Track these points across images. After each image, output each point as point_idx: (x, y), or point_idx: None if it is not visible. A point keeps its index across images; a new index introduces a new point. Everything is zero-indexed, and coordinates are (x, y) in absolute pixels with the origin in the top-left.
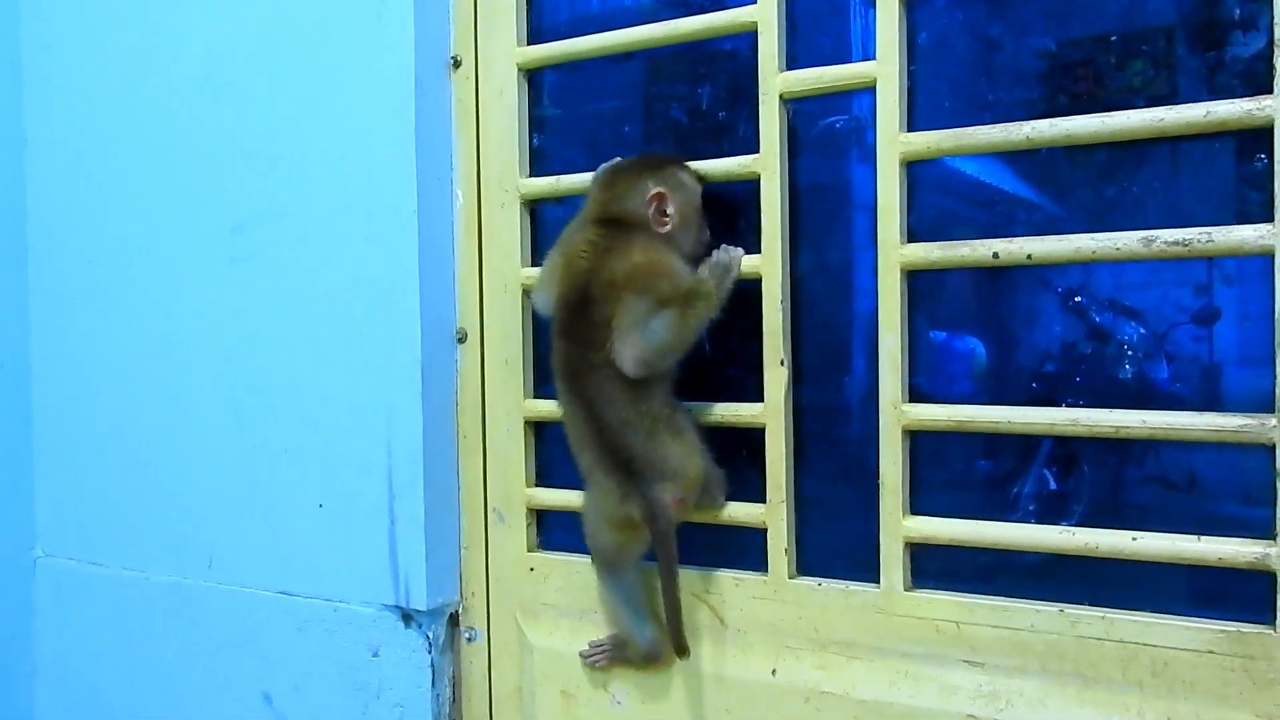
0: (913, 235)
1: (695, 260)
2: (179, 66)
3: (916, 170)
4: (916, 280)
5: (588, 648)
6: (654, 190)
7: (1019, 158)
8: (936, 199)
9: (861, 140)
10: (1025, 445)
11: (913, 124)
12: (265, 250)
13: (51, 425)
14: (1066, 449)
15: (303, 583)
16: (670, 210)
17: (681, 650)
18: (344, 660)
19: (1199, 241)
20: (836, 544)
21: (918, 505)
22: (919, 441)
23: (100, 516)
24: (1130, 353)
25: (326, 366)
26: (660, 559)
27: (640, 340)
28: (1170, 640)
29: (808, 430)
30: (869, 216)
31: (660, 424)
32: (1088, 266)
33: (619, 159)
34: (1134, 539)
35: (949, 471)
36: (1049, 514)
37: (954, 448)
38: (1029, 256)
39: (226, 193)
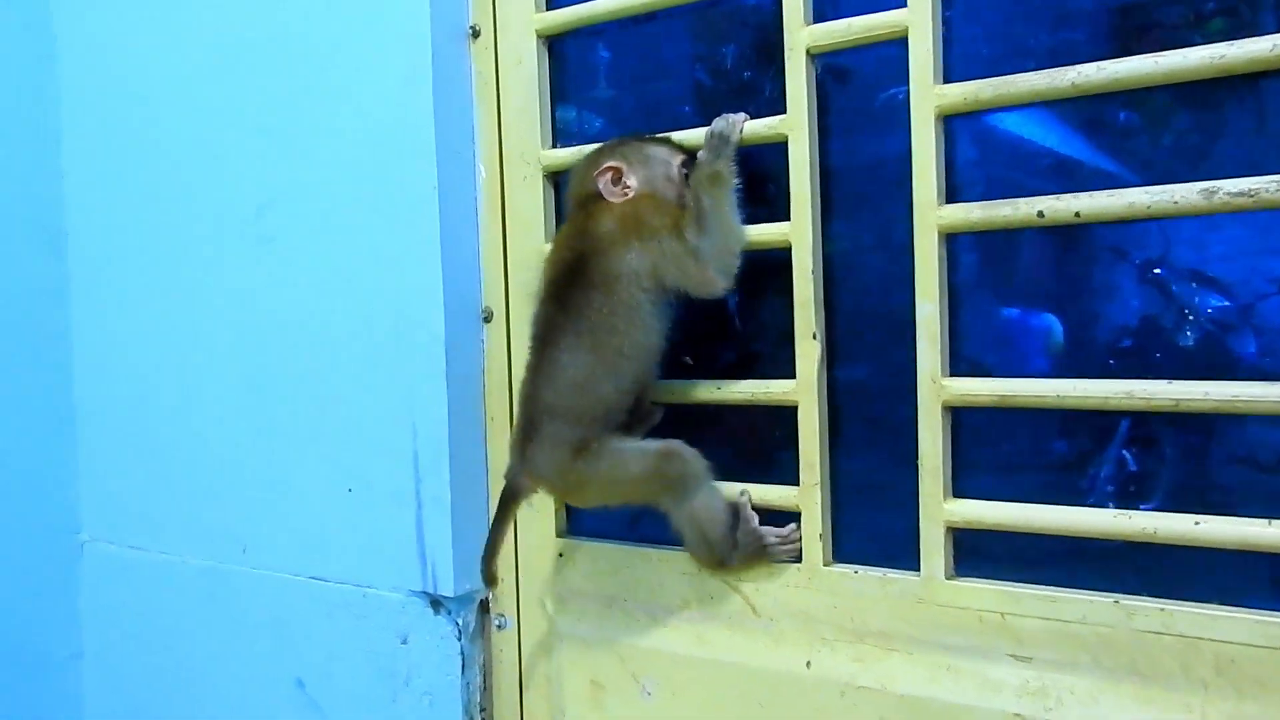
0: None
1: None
2: (203, 48)
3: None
4: (983, 252)
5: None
6: (606, 164)
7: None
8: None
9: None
10: (1103, 425)
11: (949, 75)
12: (289, 230)
13: (93, 411)
14: (1146, 429)
15: (333, 568)
16: (631, 183)
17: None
18: (373, 647)
19: (1267, 191)
20: (875, 529)
21: (975, 488)
22: (980, 420)
23: (139, 501)
24: (1214, 326)
25: (351, 348)
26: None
27: (706, 257)
28: (1237, 635)
29: (844, 407)
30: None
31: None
32: (1166, 236)
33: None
34: (1196, 524)
35: (1014, 452)
36: (1128, 497)
37: (1023, 427)
38: (1077, 215)
39: (251, 173)
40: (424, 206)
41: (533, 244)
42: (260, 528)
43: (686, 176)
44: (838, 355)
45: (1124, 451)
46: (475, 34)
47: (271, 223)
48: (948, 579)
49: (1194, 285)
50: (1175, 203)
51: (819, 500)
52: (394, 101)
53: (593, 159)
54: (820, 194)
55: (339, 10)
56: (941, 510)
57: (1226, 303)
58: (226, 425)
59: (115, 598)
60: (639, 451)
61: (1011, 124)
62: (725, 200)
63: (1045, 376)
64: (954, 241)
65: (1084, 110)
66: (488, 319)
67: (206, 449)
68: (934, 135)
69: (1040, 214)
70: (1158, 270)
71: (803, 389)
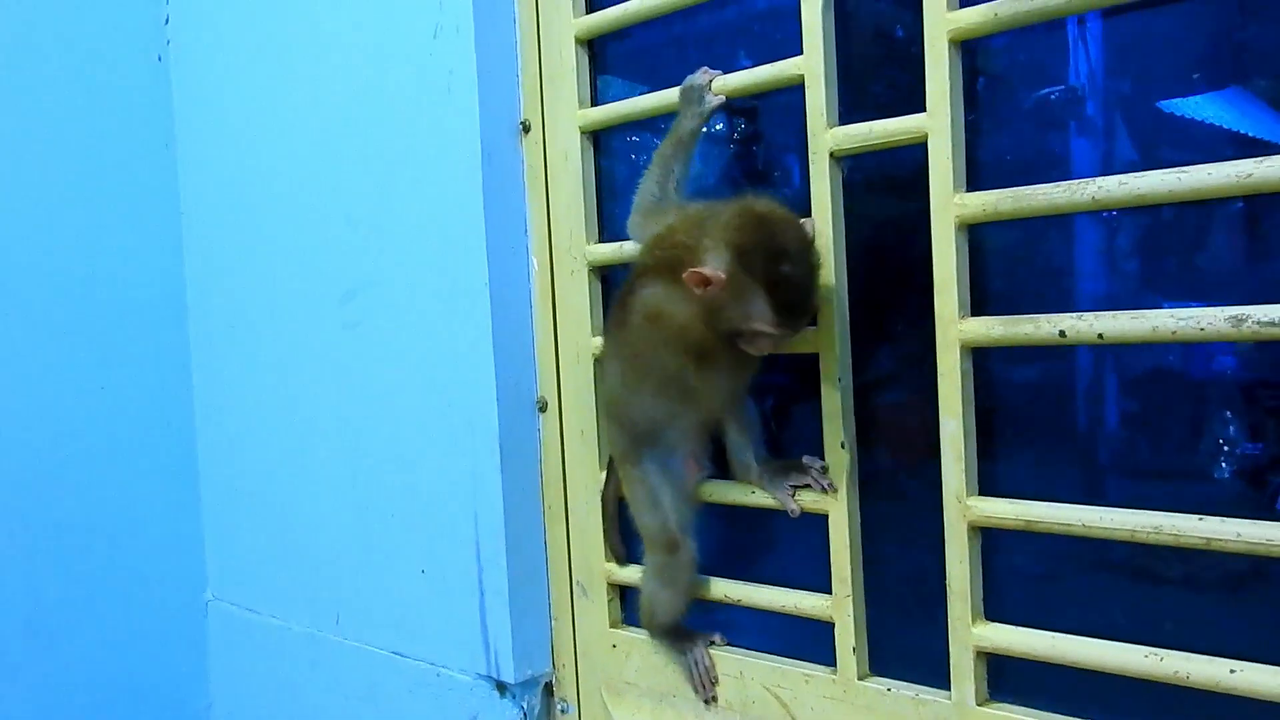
0: None
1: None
2: (297, 146)
3: None
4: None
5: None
6: (704, 271)
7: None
8: None
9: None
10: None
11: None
12: (368, 318)
13: (214, 480)
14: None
15: (411, 645)
16: (711, 291)
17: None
18: None
19: None
20: (910, 643)
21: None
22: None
23: (253, 566)
24: None
25: (421, 434)
26: None
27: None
28: None
29: (875, 517)
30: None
31: None
32: None
33: (751, 198)
34: (1231, 671)
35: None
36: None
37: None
38: (1100, 336)
39: (337, 262)
40: (476, 298)
41: (582, 337)
42: (351, 600)
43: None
44: (869, 462)
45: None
46: (526, 129)
47: (354, 310)
48: (979, 705)
49: None
50: (1202, 329)
51: (851, 612)
52: (449, 195)
53: (725, 233)
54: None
55: (402, 109)
56: (970, 635)
57: None
58: (324, 498)
59: (238, 655)
60: (658, 518)
61: (1188, 108)
62: (679, 162)
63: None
64: (979, 353)
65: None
66: (543, 409)
67: (308, 520)
68: (954, 245)
69: (1062, 333)
70: None
71: (833, 498)
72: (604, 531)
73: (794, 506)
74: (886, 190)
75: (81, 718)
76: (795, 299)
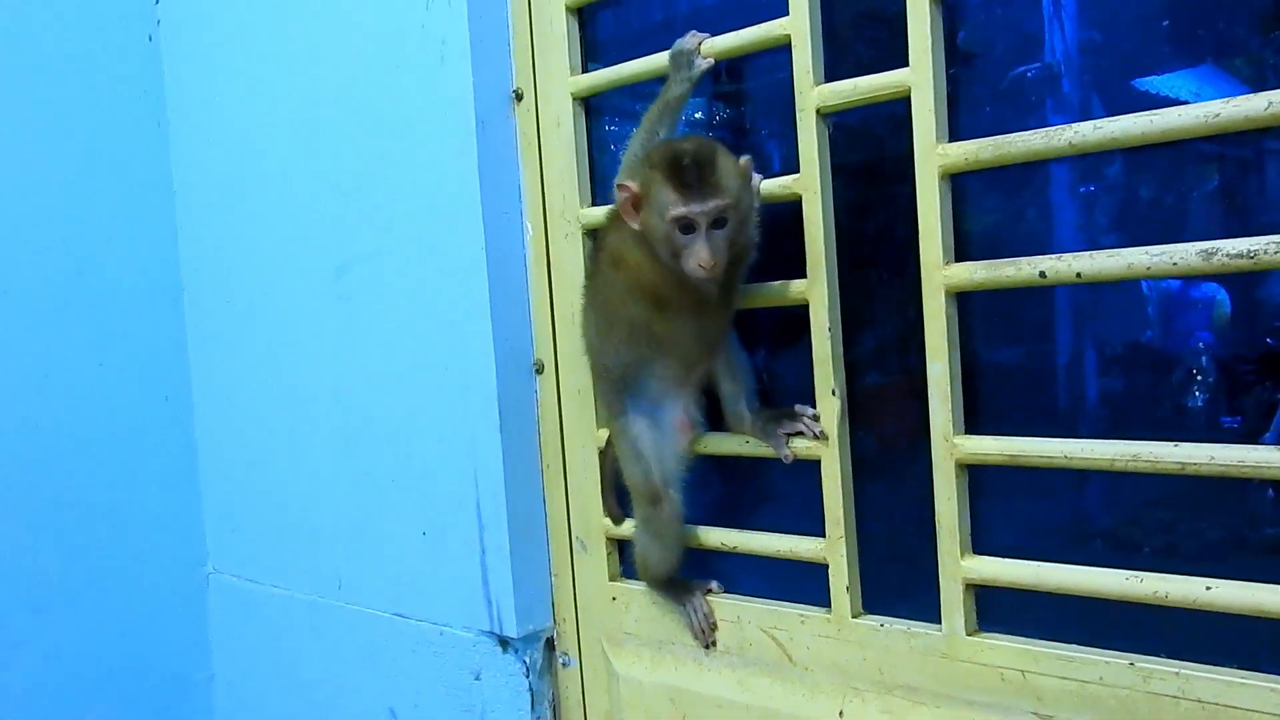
0: None
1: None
2: (290, 122)
3: None
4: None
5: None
6: (625, 186)
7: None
8: None
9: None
10: (1266, 399)
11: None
12: (365, 287)
13: (212, 451)
14: None
15: (413, 606)
16: (641, 214)
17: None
18: (451, 682)
19: (1266, 253)
20: (901, 581)
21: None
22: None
23: (253, 538)
24: None
25: (418, 400)
26: None
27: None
28: (1254, 702)
29: (866, 460)
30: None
31: None
32: None
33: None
34: (1208, 588)
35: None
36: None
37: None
38: (1078, 275)
39: (330, 235)
40: (473, 264)
41: (576, 299)
42: (352, 565)
43: (689, 228)
44: (858, 408)
45: None
46: (519, 97)
47: (350, 280)
48: (969, 635)
49: None
50: (1174, 264)
51: (844, 553)
52: (444, 164)
53: (641, 160)
54: (836, 250)
55: (396, 80)
56: (959, 568)
57: None
58: (323, 468)
59: (239, 626)
60: (640, 469)
61: (1164, 85)
62: (664, 125)
63: (1212, 350)
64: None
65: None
66: (539, 371)
67: (307, 490)
68: (938, 194)
69: (1042, 274)
70: None
71: (826, 442)
72: (601, 492)
73: (787, 453)
74: (871, 145)
75: (85, 693)
76: (692, 177)
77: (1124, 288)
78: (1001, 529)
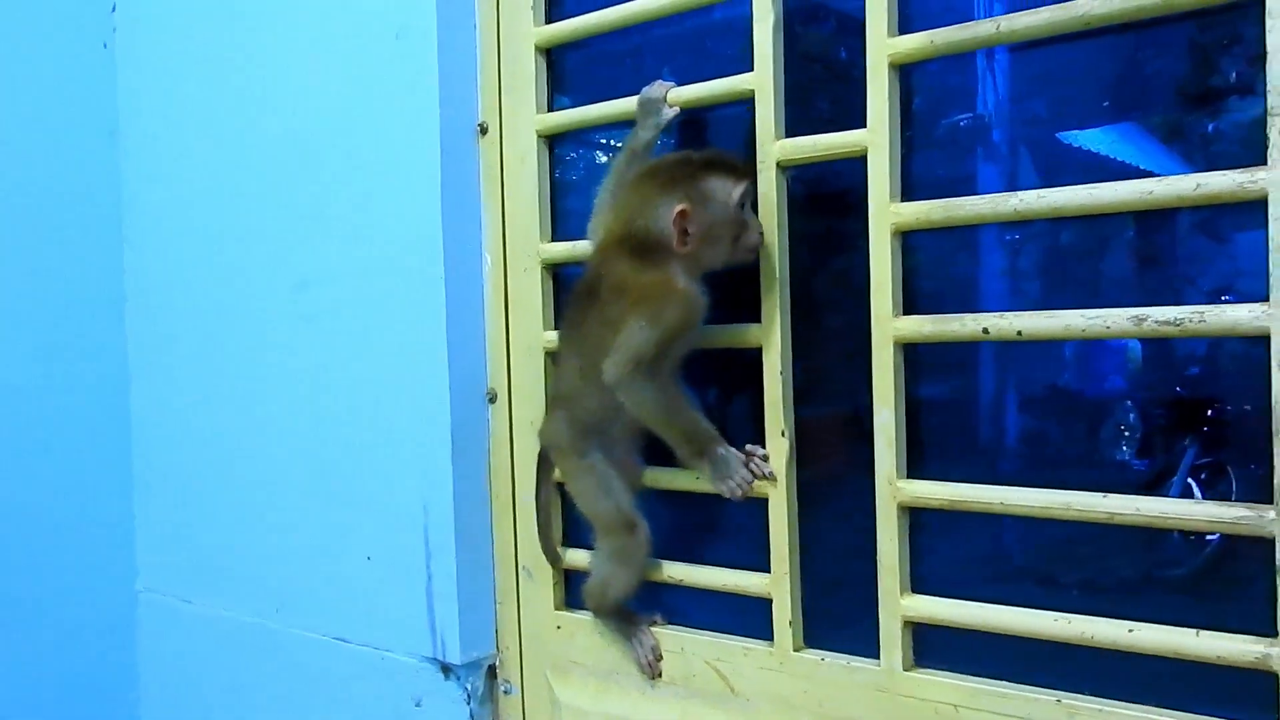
0: None
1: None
2: (248, 135)
3: None
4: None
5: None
6: (678, 208)
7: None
8: None
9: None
10: (1176, 444)
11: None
12: (321, 310)
13: (148, 468)
14: (1215, 455)
15: (355, 631)
16: (693, 229)
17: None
18: (392, 708)
19: (1191, 321)
20: (842, 617)
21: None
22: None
23: (187, 556)
24: None
25: (372, 424)
26: None
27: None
28: None
29: (811, 500)
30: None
31: None
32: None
33: (652, 162)
34: (1130, 630)
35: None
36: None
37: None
38: (1019, 333)
39: (289, 254)
40: (431, 293)
41: (533, 330)
42: (292, 587)
43: (745, 205)
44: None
45: (1191, 481)
46: (484, 131)
47: (307, 302)
48: (906, 670)
49: None
50: (1108, 327)
51: (788, 589)
52: (407, 193)
53: (657, 188)
54: (790, 296)
55: (362, 106)
56: (899, 605)
57: None
58: (264, 486)
59: (169, 647)
60: (614, 503)
61: (1087, 140)
62: (632, 169)
63: (1123, 396)
64: (911, 350)
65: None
66: (492, 400)
67: (246, 508)
68: (889, 250)
69: (985, 330)
70: (1225, 298)
71: (774, 482)
72: (540, 532)
73: (735, 489)
74: (827, 200)
75: (3, 714)
76: (724, 161)
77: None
78: (936, 564)
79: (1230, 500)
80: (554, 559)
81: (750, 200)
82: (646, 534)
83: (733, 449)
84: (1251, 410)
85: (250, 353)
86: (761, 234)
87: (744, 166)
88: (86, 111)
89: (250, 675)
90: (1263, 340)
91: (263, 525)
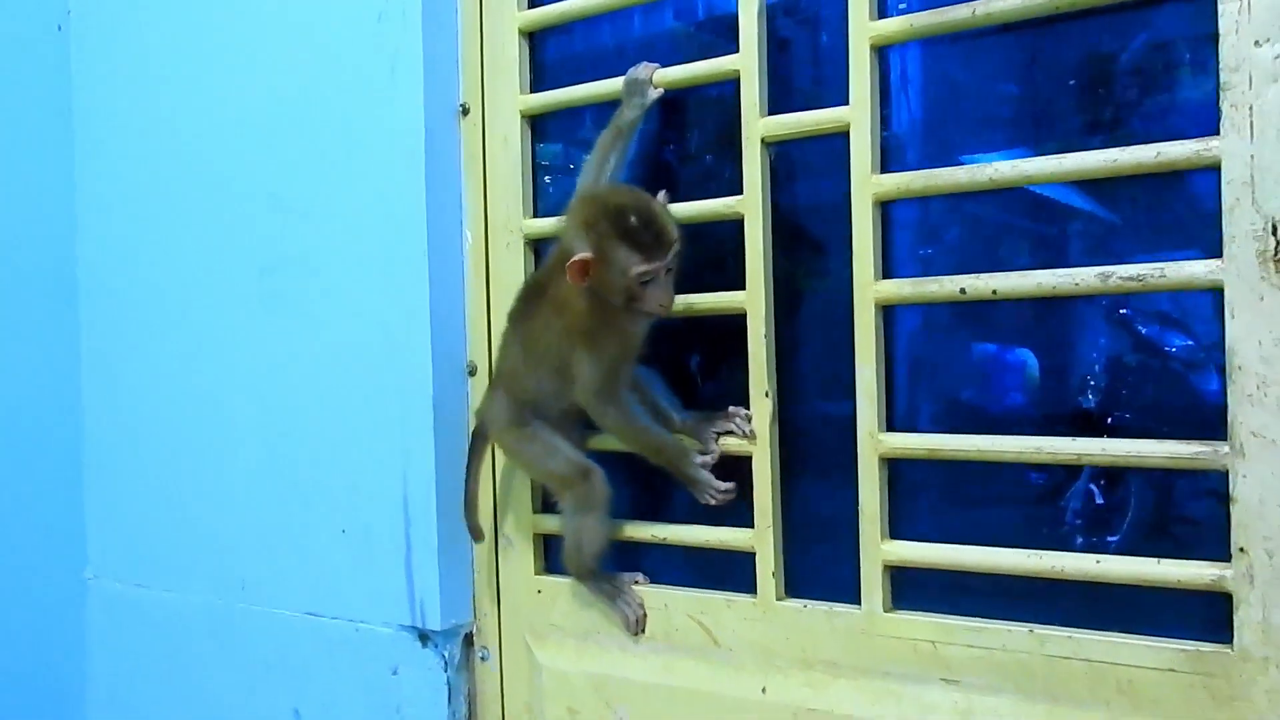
0: None
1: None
2: (214, 114)
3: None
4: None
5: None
6: (581, 256)
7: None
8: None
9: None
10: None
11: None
12: (290, 292)
13: (100, 454)
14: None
15: (328, 604)
16: (590, 276)
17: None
18: (367, 678)
19: (1152, 277)
20: (823, 567)
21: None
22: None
23: (143, 540)
24: (1179, 365)
25: (347, 401)
26: None
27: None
28: (1135, 659)
29: (795, 453)
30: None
31: None
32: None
33: (604, 189)
34: (1097, 562)
35: (997, 486)
36: (1095, 529)
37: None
38: (994, 291)
39: (255, 238)
40: (415, 269)
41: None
42: (259, 566)
43: (648, 282)
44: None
45: (1092, 485)
46: (465, 111)
47: (273, 284)
48: (886, 612)
49: (1159, 326)
50: (1076, 284)
51: (772, 542)
52: (389, 173)
53: (580, 224)
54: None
55: (341, 90)
56: (879, 551)
57: (1190, 342)
58: (227, 468)
59: (120, 634)
60: (564, 456)
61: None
62: (616, 150)
63: (1021, 411)
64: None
65: None
66: (472, 373)
67: (207, 490)
68: (871, 219)
69: (963, 290)
70: (1124, 310)
71: (757, 442)
72: (466, 506)
73: (714, 448)
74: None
75: None
76: (646, 235)
77: (957, 349)
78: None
79: None
80: (477, 534)
81: (663, 273)
82: (601, 477)
83: (706, 472)
84: None
85: (214, 331)
86: (665, 305)
87: (666, 242)
88: (38, 94)
89: (212, 659)
90: (1218, 292)
91: (226, 506)
